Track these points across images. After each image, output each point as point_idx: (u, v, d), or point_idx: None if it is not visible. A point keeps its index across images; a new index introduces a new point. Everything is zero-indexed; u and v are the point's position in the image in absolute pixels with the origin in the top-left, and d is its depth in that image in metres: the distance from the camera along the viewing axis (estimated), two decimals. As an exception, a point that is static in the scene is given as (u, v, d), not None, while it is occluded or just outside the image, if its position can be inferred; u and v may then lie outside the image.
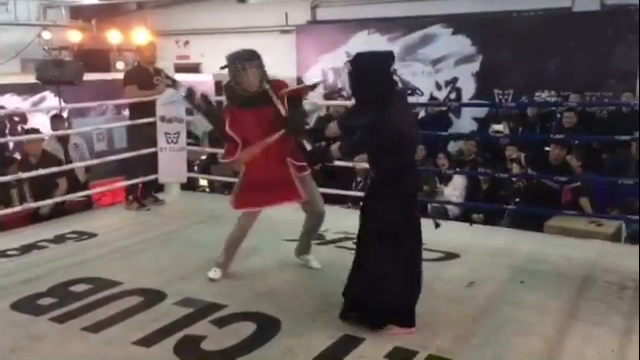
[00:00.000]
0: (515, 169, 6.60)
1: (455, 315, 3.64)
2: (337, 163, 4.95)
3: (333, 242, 4.94)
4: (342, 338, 3.35)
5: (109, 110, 10.15)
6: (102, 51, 11.22)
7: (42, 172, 5.87)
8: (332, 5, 11.82)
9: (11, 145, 8.58)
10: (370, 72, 3.35)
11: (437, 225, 3.66)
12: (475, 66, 10.33)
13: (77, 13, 12.88)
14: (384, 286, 3.37)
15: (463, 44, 10.39)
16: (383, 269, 3.38)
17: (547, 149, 6.37)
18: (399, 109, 3.35)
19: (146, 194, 6.35)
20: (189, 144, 6.75)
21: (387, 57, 3.40)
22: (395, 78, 3.34)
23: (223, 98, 4.63)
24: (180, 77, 7.19)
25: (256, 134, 4.02)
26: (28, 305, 3.83)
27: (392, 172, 3.38)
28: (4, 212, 5.57)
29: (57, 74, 8.80)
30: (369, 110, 3.35)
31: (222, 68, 4.04)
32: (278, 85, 4.11)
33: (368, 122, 3.30)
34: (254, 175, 4.08)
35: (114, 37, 10.99)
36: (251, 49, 4.08)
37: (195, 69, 12.83)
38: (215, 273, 4.22)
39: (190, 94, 4.37)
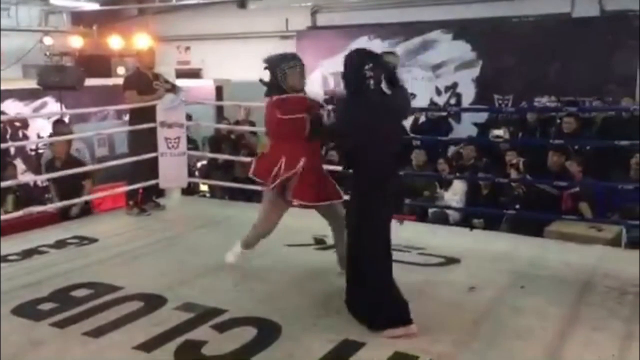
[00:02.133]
0: (513, 174, 6.61)
1: (455, 320, 3.64)
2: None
3: (334, 247, 4.93)
4: (343, 342, 3.35)
5: (109, 116, 10.19)
6: (103, 56, 11.24)
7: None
8: (332, 10, 11.84)
9: (12, 150, 8.61)
10: (347, 66, 3.54)
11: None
12: (475, 71, 10.35)
13: (78, 18, 12.93)
14: (379, 289, 3.45)
15: (463, 49, 10.42)
16: (375, 273, 3.46)
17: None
18: (365, 103, 3.44)
19: (146, 199, 6.35)
20: (187, 149, 6.76)
21: (363, 55, 3.53)
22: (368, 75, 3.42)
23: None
24: (180, 82, 7.20)
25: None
26: (29, 310, 3.83)
27: (363, 169, 3.49)
28: (4, 217, 5.58)
29: (58, 79, 8.86)
30: (343, 102, 3.68)
31: (265, 68, 4.16)
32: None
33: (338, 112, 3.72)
34: (307, 170, 4.11)
35: (114, 42, 11.03)
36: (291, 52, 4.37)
37: (195, 74, 12.87)
38: (232, 256, 4.42)
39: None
